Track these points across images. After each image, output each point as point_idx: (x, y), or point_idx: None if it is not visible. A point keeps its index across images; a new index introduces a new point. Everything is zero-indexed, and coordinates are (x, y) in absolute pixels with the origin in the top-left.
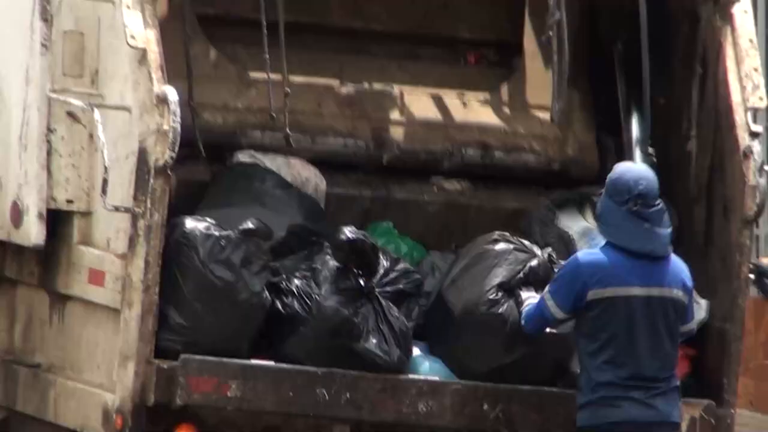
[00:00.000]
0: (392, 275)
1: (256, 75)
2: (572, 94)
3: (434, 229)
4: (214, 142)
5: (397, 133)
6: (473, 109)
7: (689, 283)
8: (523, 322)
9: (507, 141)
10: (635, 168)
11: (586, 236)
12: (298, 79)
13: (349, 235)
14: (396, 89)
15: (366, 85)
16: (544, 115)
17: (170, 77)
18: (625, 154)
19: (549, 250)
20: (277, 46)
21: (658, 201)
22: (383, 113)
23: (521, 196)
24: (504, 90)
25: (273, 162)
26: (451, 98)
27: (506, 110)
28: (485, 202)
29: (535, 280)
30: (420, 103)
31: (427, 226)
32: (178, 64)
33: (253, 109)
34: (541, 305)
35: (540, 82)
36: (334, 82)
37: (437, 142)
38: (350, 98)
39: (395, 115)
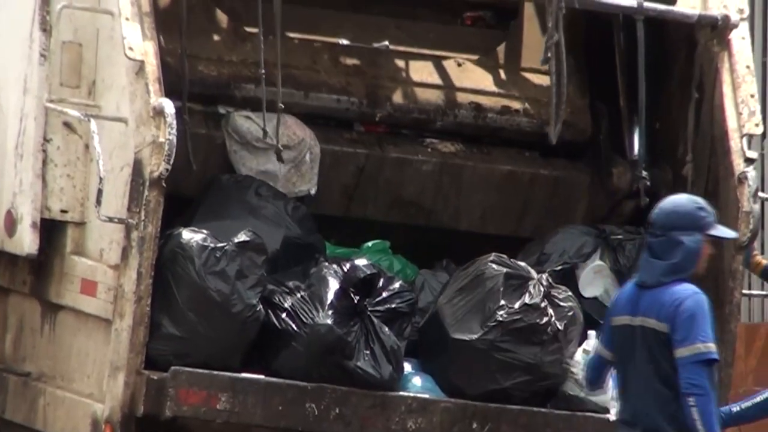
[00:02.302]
0: (385, 294)
1: (251, 29)
2: (566, 58)
3: (429, 188)
4: (208, 94)
5: (390, 91)
6: (468, 70)
7: (666, 311)
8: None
9: (500, 102)
10: (670, 197)
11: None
12: (293, 34)
13: (367, 271)
14: (392, 48)
15: (362, 42)
16: (539, 78)
17: (165, 31)
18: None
19: (545, 274)
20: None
21: (660, 232)
22: (378, 71)
23: (515, 159)
24: (500, 52)
25: (269, 122)
26: (446, 59)
27: (501, 72)
28: (479, 163)
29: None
30: (415, 62)
31: (422, 186)
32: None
33: (248, 62)
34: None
35: (536, 45)
36: (330, 39)
37: (431, 101)
38: (345, 55)
39: (390, 73)
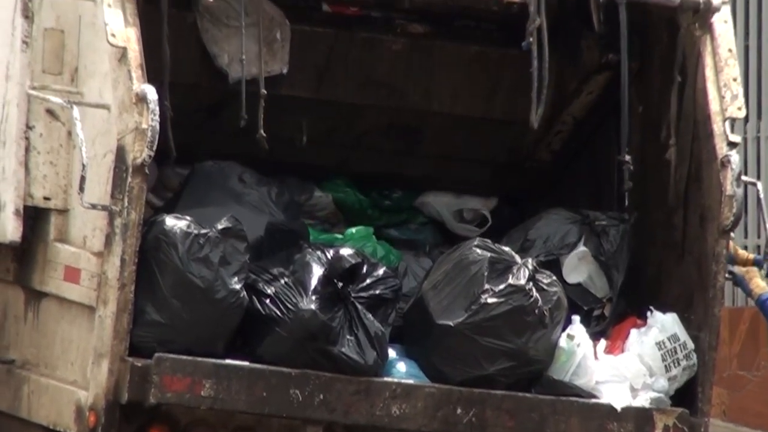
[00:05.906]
0: (369, 281)
1: None
2: None
3: (399, 69)
4: None
5: None
6: None
7: None
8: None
9: None
10: None
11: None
12: None
13: (351, 260)
14: None
15: None
16: None
17: None
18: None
19: (530, 259)
20: None
21: None
22: None
23: (484, 40)
24: None
25: (237, 1)
26: None
27: None
28: (448, 42)
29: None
30: None
31: (392, 67)
32: None
33: None
34: None
35: None
36: None
37: None
38: None
39: None
